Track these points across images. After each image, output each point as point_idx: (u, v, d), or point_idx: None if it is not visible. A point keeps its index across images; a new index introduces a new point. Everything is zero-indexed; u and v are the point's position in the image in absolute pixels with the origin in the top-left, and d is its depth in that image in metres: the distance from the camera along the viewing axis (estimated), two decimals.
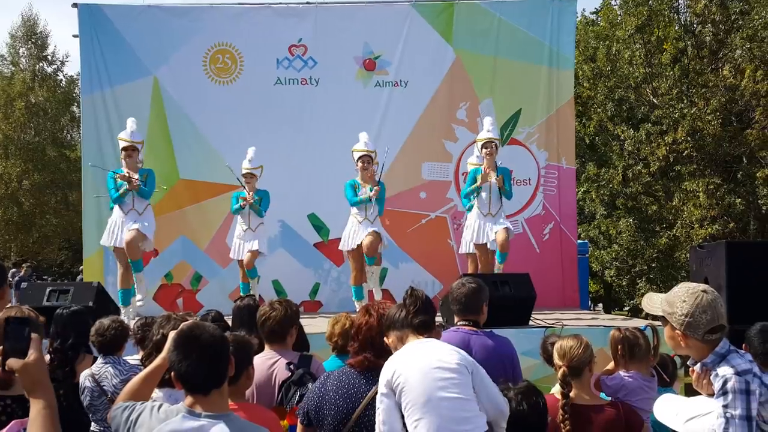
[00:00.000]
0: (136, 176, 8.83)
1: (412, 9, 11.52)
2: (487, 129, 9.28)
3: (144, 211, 8.93)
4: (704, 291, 2.86)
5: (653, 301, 2.99)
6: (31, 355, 2.06)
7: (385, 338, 3.47)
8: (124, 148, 8.92)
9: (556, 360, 3.75)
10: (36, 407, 2.02)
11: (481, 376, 3.27)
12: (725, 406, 2.71)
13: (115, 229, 8.85)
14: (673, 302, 2.86)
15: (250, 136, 10.66)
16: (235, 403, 3.30)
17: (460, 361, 3.25)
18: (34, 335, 2.11)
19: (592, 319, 9.61)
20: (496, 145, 9.23)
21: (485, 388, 3.26)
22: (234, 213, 9.81)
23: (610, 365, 4.41)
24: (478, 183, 9.11)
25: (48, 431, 2.00)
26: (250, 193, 9.59)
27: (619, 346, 4.32)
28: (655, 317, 3.07)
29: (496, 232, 9.04)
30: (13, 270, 20.64)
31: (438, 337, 3.57)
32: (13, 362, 2.04)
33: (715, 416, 2.75)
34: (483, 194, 9.19)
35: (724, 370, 2.76)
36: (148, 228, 8.90)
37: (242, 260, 9.67)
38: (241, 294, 9.85)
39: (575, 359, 3.70)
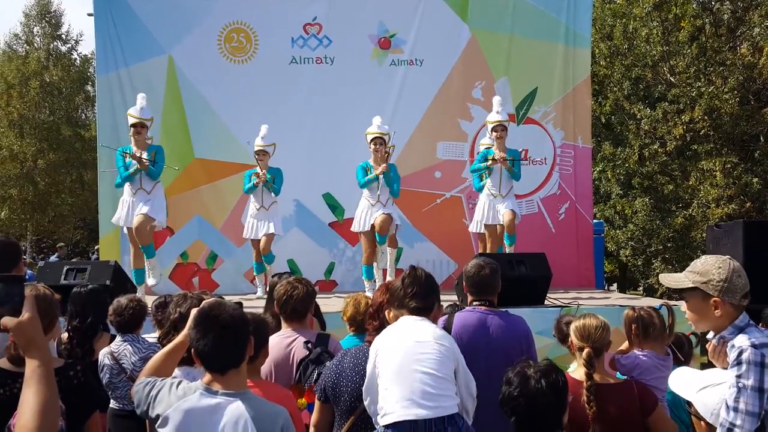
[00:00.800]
0: (145, 155, 8.67)
1: None
2: (496, 111, 9.37)
3: (152, 190, 8.75)
4: (731, 258, 2.98)
5: (676, 278, 3.02)
6: (25, 313, 2.06)
7: (386, 312, 3.49)
8: (133, 125, 8.75)
9: (577, 341, 3.74)
10: (31, 366, 2.04)
11: (461, 362, 3.35)
12: (738, 376, 2.73)
13: (126, 209, 8.76)
14: (708, 271, 2.92)
15: (265, 115, 10.65)
16: (251, 381, 3.33)
17: (443, 341, 3.31)
18: (27, 294, 2.11)
19: (607, 298, 9.60)
20: (505, 127, 9.30)
21: (464, 375, 3.34)
22: (247, 192, 9.76)
23: (624, 345, 4.42)
24: (489, 164, 9.20)
25: (43, 390, 2.01)
26: (263, 170, 9.57)
27: (634, 326, 4.32)
28: (671, 296, 3.08)
29: (502, 214, 9.18)
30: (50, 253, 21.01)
31: (437, 317, 3.60)
32: (7, 320, 2.04)
33: (728, 386, 2.77)
34: (494, 175, 9.30)
35: (741, 341, 2.78)
36: (158, 209, 8.74)
37: (256, 240, 9.65)
38: (255, 274, 9.94)
39: (598, 340, 3.71)
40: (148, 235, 8.75)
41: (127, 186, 8.82)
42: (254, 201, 9.72)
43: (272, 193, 9.65)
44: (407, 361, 3.22)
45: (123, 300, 4.95)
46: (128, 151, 8.76)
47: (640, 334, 4.29)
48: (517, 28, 11.42)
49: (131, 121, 8.82)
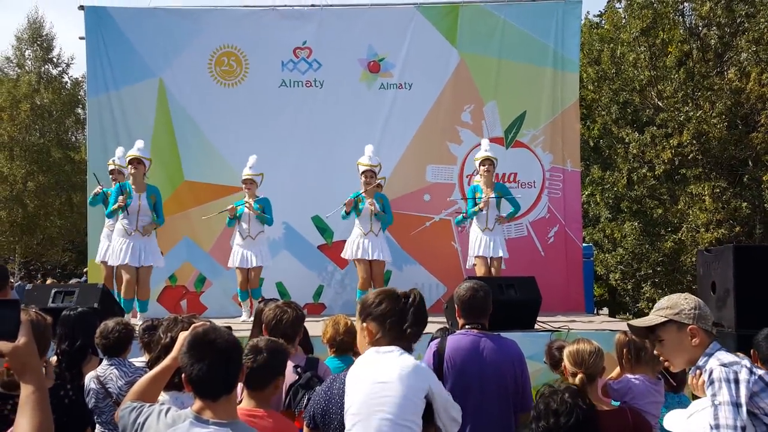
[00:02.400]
0: (144, 198, 8.93)
1: (416, 11, 11.52)
2: (485, 149, 9.89)
3: (149, 235, 8.98)
4: (688, 292, 3.10)
5: (647, 318, 3.06)
6: (21, 338, 2.04)
7: (360, 322, 3.34)
8: (131, 161, 8.97)
9: (570, 366, 3.72)
10: (26, 391, 2.01)
11: (436, 388, 3.22)
12: (713, 395, 2.75)
13: (119, 248, 8.85)
14: (676, 303, 2.98)
15: (255, 138, 10.69)
16: (263, 410, 3.29)
17: (409, 379, 3.14)
18: (23, 318, 2.09)
19: (598, 323, 9.58)
20: (492, 161, 9.78)
21: (443, 400, 3.22)
22: (229, 226, 9.90)
23: (615, 371, 4.39)
24: (481, 205, 9.70)
25: (38, 415, 1.98)
26: (250, 200, 9.70)
27: (625, 350, 4.30)
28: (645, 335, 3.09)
29: (491, 258, 9.69)
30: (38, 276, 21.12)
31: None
32: (2, 345, 2.02)
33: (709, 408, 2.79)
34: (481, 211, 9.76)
35: (711, 364, 2.83)
36: (157, 255, 9.10)
37: (242, 269, 9.71)
38: (240, 300, 9.91)
39: (591, 365, 3.68)
40: (149, 288, 9.03)
41: (120, 225, 8.89)
42: (241, 230, 9.77)
43: (264, 224, 9.77)
44: (367, 405, 3.13)
45: (110, 323, 4.89)
46: (127, 188, 8.96)
47: (632, 358, 4.27)
48: (506, 52, 11.48)
49: (128, 158, 9.06)
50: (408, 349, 3.24)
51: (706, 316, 2.96)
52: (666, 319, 2.95)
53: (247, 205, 9.65)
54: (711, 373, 2.79)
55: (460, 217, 10.30)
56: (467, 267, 10.29)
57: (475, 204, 9.71)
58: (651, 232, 18.21)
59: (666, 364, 3.03)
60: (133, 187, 8.96)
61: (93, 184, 10.69)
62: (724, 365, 2.78)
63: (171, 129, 11.22)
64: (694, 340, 2.90)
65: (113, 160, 10.05)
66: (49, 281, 20.86)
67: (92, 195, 10.14)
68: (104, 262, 9.74)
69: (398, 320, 3.23)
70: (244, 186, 9.78)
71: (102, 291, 7.57)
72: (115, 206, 8.89)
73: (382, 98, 11.44)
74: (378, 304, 3.26)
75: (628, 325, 3.17)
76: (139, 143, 9.20)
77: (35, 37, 30.82)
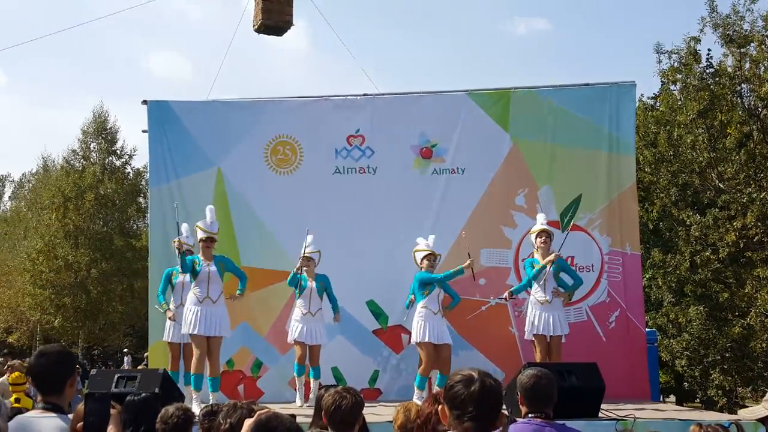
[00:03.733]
0: (213, 265, 9.23)
1: (467, 98, 11.67)
2: (541, 222, 10.01)
3: (218, 298, 9.21)
4: None
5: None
6: (110, 430, 2.07)
7: (443, 408, 3.19)
8: (203, 240, 9.25)
9: None
10: None
11: None
12: None
13: (191, 318, 9.03)
14: None
15: (309, 223, 10.78)
16: None
17: None
18: (112, 411, 2.12)
19: (666, 411, 9.21)
20: (549, 233, 9.85)
21: None
22: (290, 284, 10.07)
23: None
24: (546, 262, 9.70)
25: None
26: (310, 278, 9.96)
27: None
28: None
29: (551, 336, 9.61)
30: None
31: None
32: None
33: None
34: (538, 281, 9.74)
35: None
36: (226, 324, 9.31)
37: (301, 343, 9.82)
38: (296, 375, 9.91)
39: None
40: (219, 362, 9.24)
41: (192, 294, 9.09)
42: (301, 306, 9.93)
43: (326, 300, 10.04)
44: None
45: (170, 408, 4.93)
46: (196, 259, 9.23)
47: None
48: (559, 136, 11.49)
49: (201, 235, 9.32)
50: None
51: None
52: None
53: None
54: None
55: (515, 287, 10.26)
56: (525, 338, 10.20)
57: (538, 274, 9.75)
58: (717, 317, 17.61)
59: None
60: (201, 257, 9.21)
61: (154, 271, 10.92)
62: None
63: (229, 216, 11.43)
64: None
65: (179, 239, 10.12)
66: (126, 361, 21.71)
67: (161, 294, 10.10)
68: (170, 343, 9.91)
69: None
70: (302, 264, 9.93)
71: (163, 376, 7.63)
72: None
73: (435, 183, 11.50)
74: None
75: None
76: (211, 215, 9.43)
77: (100, 131, 32.28)
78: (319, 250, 10.11)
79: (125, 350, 25.22)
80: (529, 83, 11.76)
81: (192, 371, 9.06)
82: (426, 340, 9.58)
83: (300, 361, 9.84)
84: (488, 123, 11.58)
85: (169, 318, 9.37)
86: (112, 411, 2.14)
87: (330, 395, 4.20)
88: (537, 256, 9.92)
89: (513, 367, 9.39)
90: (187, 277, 9.43)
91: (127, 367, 22.63)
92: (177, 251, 9.17)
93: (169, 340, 9.95)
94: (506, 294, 10.20)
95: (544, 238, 9.82)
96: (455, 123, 11.58)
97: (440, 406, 3.13)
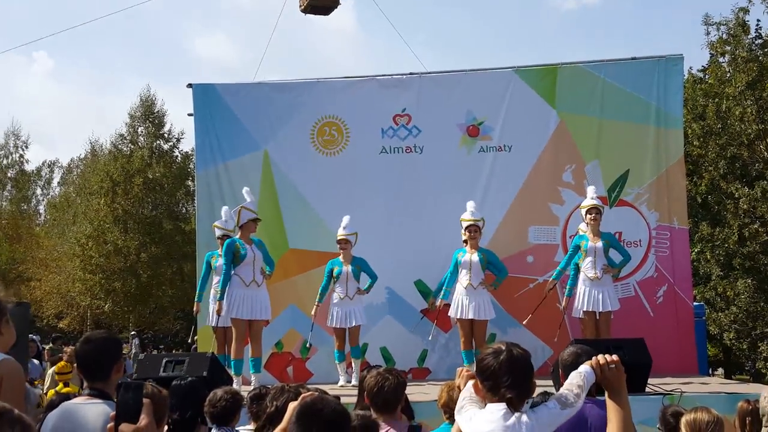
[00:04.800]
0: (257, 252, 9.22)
1: (514, 75, 11.60)
2: (591, 197, 9.86)
3: (262, 283, 9.24)
4: None
5: None
6: (143, 419, 2.13)
7: (476, 383, 3.24)
8: (254, 220, 9.27)
9: None
10: None
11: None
12: None
13: (240, 302, 9.08)
14: None
15: (356, 204, 10.88)
16: None
17: None
18: (145, 400, 2.18)
19: (713, 385, 9.16)
20: (600, 210, 9.72)
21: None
22: (323, 290, 10.17)
23: None
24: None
25: None
26: (346, 262, 10.00)
27: (748, 419, 4.12)
28: None
29: (600, 312, 9.59)
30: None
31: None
32: (124, 427, 2.11)
33: None
34: (588, 258, 9.70)
35: None
36: (268, 308, 9.33)
37: (340, 329, 9.95)
38: (336, 362, 10.04)
39: None
40: (261, 345, 9.28)
41: (238, 278, 9.10)
42: (339, 290, 9.99)
43: (366, 281, 10.04)
44: None
45: (219, 392, 4.98)
46: (238, 242, 9.18)
47: (754, 428, 4.08)
48: (607, 111, 11.38)
49: (251, 216, 9.26)
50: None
51: None
52: None
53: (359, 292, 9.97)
54: None
55: (568, 289, 10.26)
56: (574, 316, 10.19)
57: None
58: (766, 290, 17.39)
59: None
60: (243, 241, 9.22)
61: (202, 254, 11.07)
62: None
63: (276, 198, 11.54)
64: None
65: (219, 224, 10.32)
66: (133, 344, 22.03)
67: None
68: (215, 327, 10.04)
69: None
70: (339, 246, 10.01)
71: (211, 360, 7.74)
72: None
73: (482, 161, 11.48)
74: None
75: None
76: (249, 196, 9.46)
77: (147, 115, 32.53)
78: (355, 232, 10.12)
79: (133, 333, 25.45)
80: (576, 59, 11.62)
81: (232, 356, 9.14)
82: (458, 315, 9.79)
83: (339, 347, 9.99)
84: (535, 99, 11.51)
85: (217, 312, 9.46)
86: (145, 400, 2.19)
87: (372, 377, 4.25)
88: (587, 232, 9.85)
89: (561, 344, 9.39)
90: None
91: (134, 350, 22.74)
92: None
93: (214, 324, 10.08)
94: (547, 289, 10.31)
95: (594, 214, 9.72)
96: (502, 100, 11.53)
97: (474, 381, 3.19)
